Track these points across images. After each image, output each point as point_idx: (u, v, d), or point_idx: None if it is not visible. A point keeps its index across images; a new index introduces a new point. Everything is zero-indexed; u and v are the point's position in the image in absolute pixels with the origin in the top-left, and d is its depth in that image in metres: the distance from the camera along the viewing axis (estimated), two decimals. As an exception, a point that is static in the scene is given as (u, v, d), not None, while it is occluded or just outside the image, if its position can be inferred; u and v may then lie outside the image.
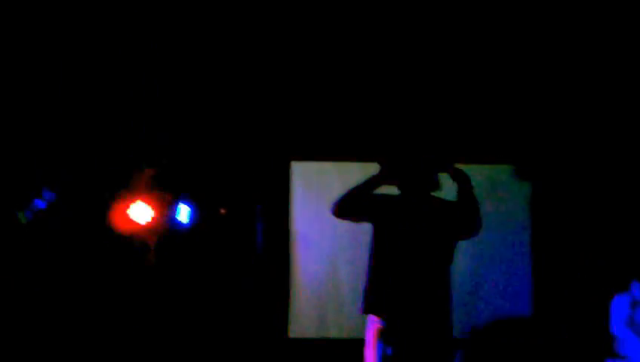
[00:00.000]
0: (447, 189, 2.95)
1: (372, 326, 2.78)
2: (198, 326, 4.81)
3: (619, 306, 4.27)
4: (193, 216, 4.71)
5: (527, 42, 4.77)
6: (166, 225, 4.63)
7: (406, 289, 2.68)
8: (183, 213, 4.67)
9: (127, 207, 4.51)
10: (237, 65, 4.86)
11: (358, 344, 4.92)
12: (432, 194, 2.92)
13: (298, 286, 4.99)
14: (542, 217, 4.97)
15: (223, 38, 4.77)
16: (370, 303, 2.80)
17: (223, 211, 4.82)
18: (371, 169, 4.86)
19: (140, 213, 4.52)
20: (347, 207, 2.82)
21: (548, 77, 4.88)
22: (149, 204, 4.55)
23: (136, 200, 4.53)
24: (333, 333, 4.99)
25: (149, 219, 4.57)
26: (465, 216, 2.79)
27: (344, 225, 4.93)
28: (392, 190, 3.00)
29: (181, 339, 4.77)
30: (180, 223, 4.66)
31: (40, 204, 4.45)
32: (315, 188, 5.02)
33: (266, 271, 4.91)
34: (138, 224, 4.53)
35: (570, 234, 4.88)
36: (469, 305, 4.81)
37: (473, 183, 2.86)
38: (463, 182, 2.82)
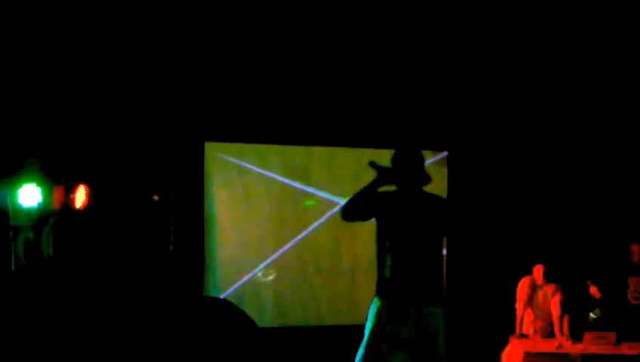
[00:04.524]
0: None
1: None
2: (105, 319, 4.50)
3: (522, 288, 4.53)
4: (94, 201, 4.52)
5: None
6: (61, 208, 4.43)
7: (408, 272, 2.95)
8: (79, 198, 4.52)
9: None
10: (148, 44, 4.56)
11: (278, 332, 4.90)
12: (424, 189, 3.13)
13: (213, 274, 4.80)
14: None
15: (132, 17, 4.45)
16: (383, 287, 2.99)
17: (155, 197, 4.65)
18: (289, 152, 4.86)
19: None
20: (355, 210, 3.01)
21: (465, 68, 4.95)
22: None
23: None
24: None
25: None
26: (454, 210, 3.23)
27: (259, 210, 4.93)
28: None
29: (85, 335, 4.45)
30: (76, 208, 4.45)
31: None
32: (231, 170, 4.85)
33: (178, 258, 4.69)
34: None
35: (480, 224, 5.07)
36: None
37: None
38: None
